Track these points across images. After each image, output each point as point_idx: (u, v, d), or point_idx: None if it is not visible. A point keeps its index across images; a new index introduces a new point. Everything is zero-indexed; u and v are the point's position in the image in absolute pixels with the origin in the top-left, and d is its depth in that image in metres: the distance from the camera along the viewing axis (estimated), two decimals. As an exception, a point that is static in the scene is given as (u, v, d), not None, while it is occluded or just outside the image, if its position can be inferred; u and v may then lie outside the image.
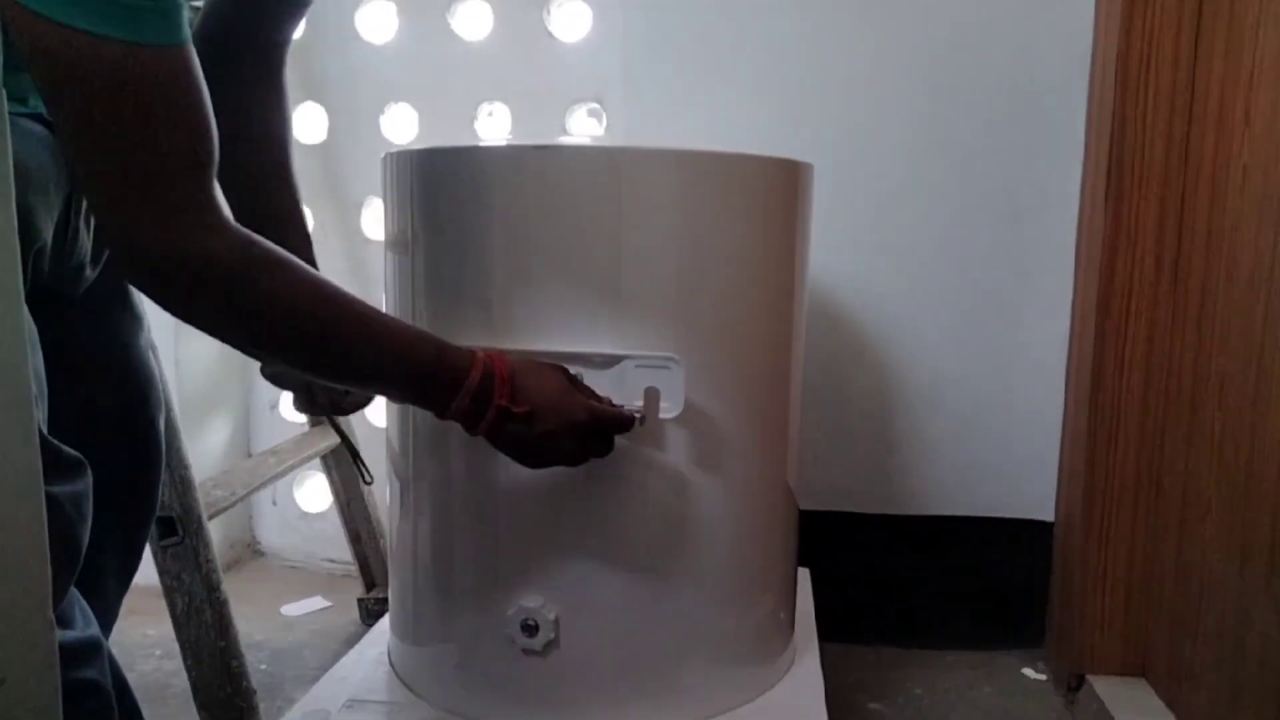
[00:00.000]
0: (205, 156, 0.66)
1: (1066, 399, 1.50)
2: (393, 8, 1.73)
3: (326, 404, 0.99)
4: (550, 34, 1.67)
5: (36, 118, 0.76)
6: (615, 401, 0.87)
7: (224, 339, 0.73)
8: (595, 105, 1.67)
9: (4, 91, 0.59)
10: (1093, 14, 1.41)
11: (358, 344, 0.74)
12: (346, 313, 0.73)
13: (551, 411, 0.80)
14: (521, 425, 0.80)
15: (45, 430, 0.71)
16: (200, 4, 0.92)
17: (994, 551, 1.56)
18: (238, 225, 0.68)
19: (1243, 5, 1.16)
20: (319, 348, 0.73)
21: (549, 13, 1.67)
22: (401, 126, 1.77)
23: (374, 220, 1.81)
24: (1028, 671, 1.52)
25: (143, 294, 0.66)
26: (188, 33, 0.64)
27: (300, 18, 0.95)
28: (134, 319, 0.93)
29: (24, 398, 0.55)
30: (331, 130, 1.80)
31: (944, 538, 1.57)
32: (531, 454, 0.83)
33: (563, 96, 1.68)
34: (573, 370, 0.88)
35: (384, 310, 0.97)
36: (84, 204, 0.80)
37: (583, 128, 1.69)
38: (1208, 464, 1.20)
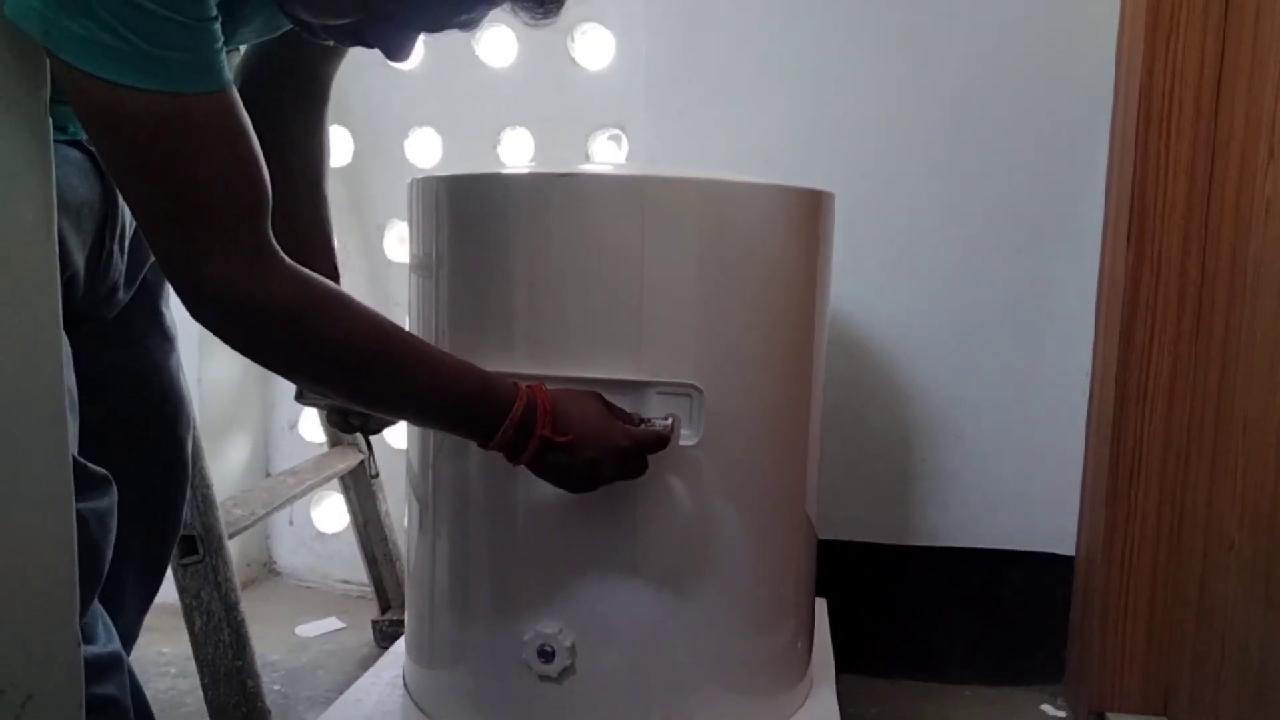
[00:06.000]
0: (258, 198, 0.68)
1: (1088, 432, 1.49)
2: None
3: (359, 424, 1.01)
4: (574, 61, 1.69)
5: (74, 143, 0.77)
6: (644, 418, 0.88)
7: (285, 375, 0.76)
8: (617, 131, 1.69)
9: (52, 142, 0.60)
10: (1115, 48, 1.41)
11: (409, 380, 0.76)
12: (399, 349, 0.75)
13: (593, 438, 0.82)
14: (564, 454, 0.81)
15: (76, 447, 0.72)
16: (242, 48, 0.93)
17: (1013, 585, 1.54)
18: (294, 264, 0.70)
19: (1266, 39, 1.16)
20: (373, 384, 0.75)
21: (573, 40, 1.69)
22: (425, 151, 1.79)
23: (396, 243, 1.83)
24: (1046, 708, 1.49)
25: (210, 332, 0.68)
26: (228, 77, 0.65)
27: (344, 52, 0.96)
28: (166, 340, 0.94)
29: (58, 420, 0.56)
30: (356, 153, 1.82)
31: (963, 570, 1.55)
32: (573, 481, 0.84)
33: (585, 122, 1.69)
34: (595, 396, 0.88)
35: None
36: (118, 228, 0.82)
37: (605, 153, 1.70)
38: (1230, 500, 1.19)
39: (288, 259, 0.69)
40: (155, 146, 0.62)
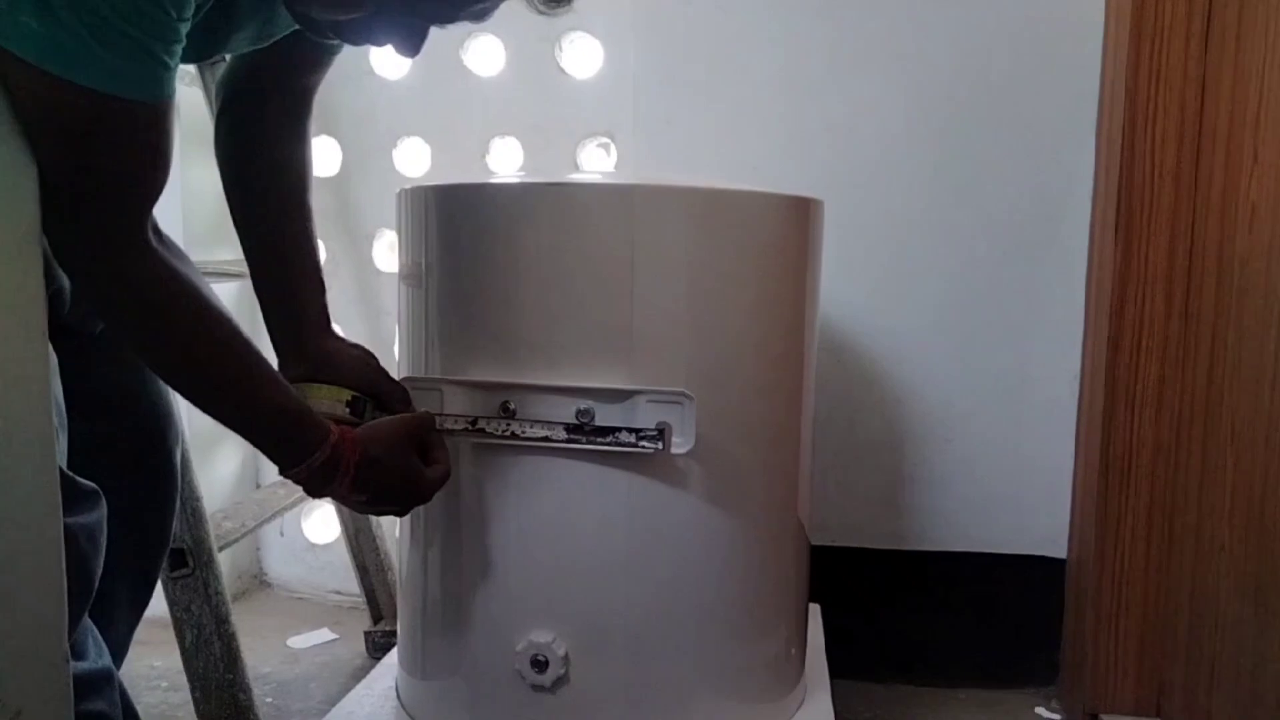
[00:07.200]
0: (144, 199, 0.70)
1: (1078, 435, 1.49)
2: (407, 44, 1.75)
3: None
4: (562, 70, 1.69)
5: None
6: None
7: (134, 351, 0.78)
8: (606, 139, 1.69)
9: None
10: (1100, 55, 1.42)
11: (229, 388, 0.78)
12: (230, 357, 0.77)
13: (390, 495, 0.86)
14: (359, 503, 0.86)
15: (64, 462, 0.71)
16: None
17: (1006, 588, 1.55)
18: (164, 257, 0.72)
19: (1249, 44, 1.17)
20: (197, 379, 0.77)
21: (561, 49, 1.69)
22: (414, 160, 1.79)
23: (385, 252, 1.82)
24: (1041, 710, 1.50)
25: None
26: (169, 90, 0.67)
27: (328, 64, 0.96)
28: None
29: (46, 434, 0.55)
30: (345, 163, 1.81)
31: (956, 574, 1.55)
32: (362, 510, 0.91)
33: (574, 131, 1.69)
34: (584, 405, 0.89)
35: (394, 342, 0.98)
36: None
37: (593, 162, 1.70)
38: (1221, 501, 1.20)
39: (159, 251, 0.72)
40: (74, 138, 0.64)
